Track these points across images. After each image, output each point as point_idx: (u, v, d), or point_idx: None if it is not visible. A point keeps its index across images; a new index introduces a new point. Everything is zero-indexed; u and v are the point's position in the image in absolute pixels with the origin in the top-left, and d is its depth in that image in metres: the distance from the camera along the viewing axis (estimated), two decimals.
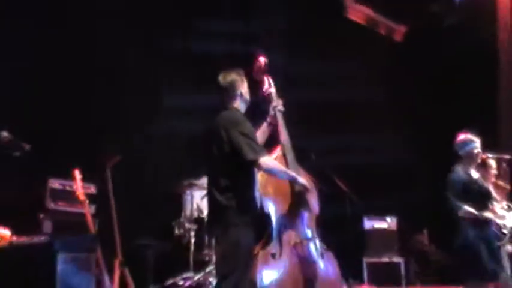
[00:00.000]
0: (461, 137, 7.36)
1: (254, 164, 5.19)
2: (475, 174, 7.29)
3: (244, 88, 5.55)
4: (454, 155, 7.33)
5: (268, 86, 6.01)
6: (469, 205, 7.10)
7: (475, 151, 7.26)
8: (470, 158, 7.28)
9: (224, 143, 5.25)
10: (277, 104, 5.95)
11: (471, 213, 7.05)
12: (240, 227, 5.16)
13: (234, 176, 5.24)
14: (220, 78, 5.54)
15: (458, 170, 7.24)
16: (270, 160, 5.40)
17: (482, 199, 7.20)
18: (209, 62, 8.33)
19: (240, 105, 5.53)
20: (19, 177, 5.88)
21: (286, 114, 5.97)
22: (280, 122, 5.91)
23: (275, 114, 5.90)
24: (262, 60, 6.02)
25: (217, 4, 9.89)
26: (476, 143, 7.29)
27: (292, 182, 5.68)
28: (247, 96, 5.58)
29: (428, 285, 9.59)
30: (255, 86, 5.86)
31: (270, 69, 6.02)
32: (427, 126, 11.32)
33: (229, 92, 5.51)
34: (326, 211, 6.13)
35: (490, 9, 10.70)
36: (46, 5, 7.99)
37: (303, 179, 5.68)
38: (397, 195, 10.37)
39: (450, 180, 7.24)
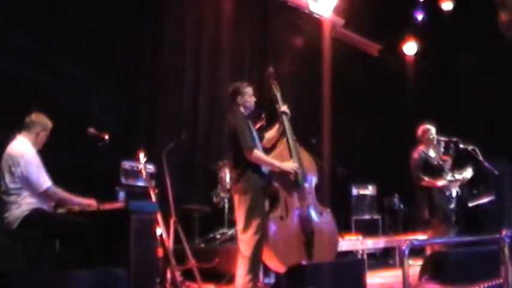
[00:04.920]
0: (422, 126, 7.52)
1: (245, 151, 5.29)
2: (432, 153, 7.41)
3: (244, 95, 5.58)
4: (416, 140, 7.48)
5: (275, 90, 5.91)
6: (428, 176, 7.23)
7: (431, 136, 7.41)
8: (428, 141, 7.42)
9: (231, 136, 5.41)
10: (283, 109, 5.84)
11: (430, 182, 7.18)
12: (252, 193, 5.27)
13: (240, 159, 5.35)
14: (229, 88, 5.67)
15: (420, 150, 7.37)
16: (259, 154, 5.42)
17: (438, 171, 7.34)
18: None
19: (241, 108, 5.57)
20: (101, 160, 5.94)
21: None
22: (286, 123, 5.82)
23: (282, 117, 5.82)
24: (270, 69, 5.95)
25: None
26: (432, 130, 7.43)
27: (272, 166, 5.54)
28: (247, 103, 5.59)
29: (397, 234, 9.67)
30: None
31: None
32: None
33: (231, 98, 5.60)
34: (324, 181, 6.20)
35: None
36: None
37: (284, 165, 5.60)
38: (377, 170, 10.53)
39: (414, 159, 7.38)
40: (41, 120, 5.43)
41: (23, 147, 5.25)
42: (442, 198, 7.31)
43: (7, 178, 5.15)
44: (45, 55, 6.77)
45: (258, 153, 5.40)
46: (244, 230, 5.30)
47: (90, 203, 5.43)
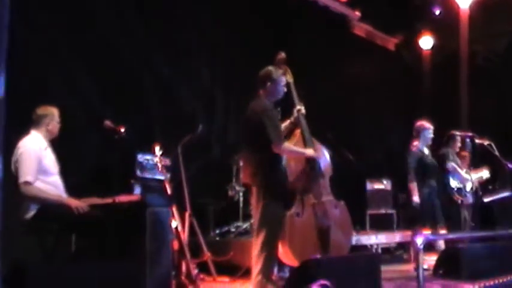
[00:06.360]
0: (419, 123, 7.38)
1: (275, 145, 5.08)
2: (426, 151, 7.29)
3: (276, 84, 5.31)
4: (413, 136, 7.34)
5: (288, 77, 5.71)
6: (423, 173, 7.12)
7: (429, 136, 7.28)
8: (425, 139, 7.29)
9: (253, 125, 5.18)
10: (300, 108, 5.71)
11: (410, 189, 7.14)
12: (270, 188, 5.14)
13: (262, 150, 5.15)
14: (261, 71, 5.37)
15: (415, 147, 7.25)
16: (288, 146, 5.34)
17: (432, 169, 7.24)
18: None
19: (268, 95, 5.31)
20: (117, 153, 5.94)
21: None
22: (302, 122, 5.70)
23: (298, 116, 5.69)
24: (281, 53, 5.76)
25: None
26: (431, 129, 7.29)
27: (302, 155, 5.51)
28: (276, 92, 5.33)
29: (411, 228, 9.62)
30: None
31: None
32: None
33: (260, 81, 5.34)
34: (339, 176, 6.15)
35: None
36: None
37: (310, 151, 5.53)
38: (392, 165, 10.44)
39: (409, 156, 7.23)
40: (46, 112, 5.37)
41: (28, 141, 5.20)
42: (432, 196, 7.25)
43: (14, 170, 5.12)
44: (63, 49, 6.79)
45: (288, 145, 5.32)
46: (260, 225, 5.22)
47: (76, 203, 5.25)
